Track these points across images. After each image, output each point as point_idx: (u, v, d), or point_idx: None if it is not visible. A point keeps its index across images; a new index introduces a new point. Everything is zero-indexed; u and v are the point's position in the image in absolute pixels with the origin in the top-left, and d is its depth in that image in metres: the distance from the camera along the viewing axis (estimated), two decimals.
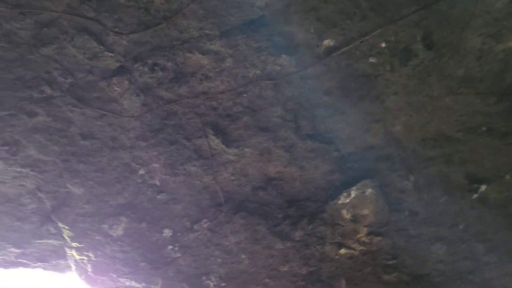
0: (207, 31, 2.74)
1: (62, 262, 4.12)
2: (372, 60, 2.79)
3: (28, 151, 3.15)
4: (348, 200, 3.28)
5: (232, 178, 3.36)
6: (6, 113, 2.94)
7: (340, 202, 3.30)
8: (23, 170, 3.27)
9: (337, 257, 3.58)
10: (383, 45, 2.72)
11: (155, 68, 2.88)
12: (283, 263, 3.67)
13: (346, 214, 3.34)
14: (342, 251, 3.54)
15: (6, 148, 3.10)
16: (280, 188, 3.37)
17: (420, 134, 3.05)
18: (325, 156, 3.20)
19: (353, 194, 3.25)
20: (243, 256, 3.67)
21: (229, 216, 3.50)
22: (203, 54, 2.83)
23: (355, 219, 3.35)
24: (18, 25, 2.58)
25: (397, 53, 2.75)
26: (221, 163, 3.30)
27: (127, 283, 3.92)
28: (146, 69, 2.87)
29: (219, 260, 3.73)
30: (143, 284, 3.89)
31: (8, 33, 2.59)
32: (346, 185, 3.27)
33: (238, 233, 3.56)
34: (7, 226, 3.67)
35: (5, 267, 4.18)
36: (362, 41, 2.71)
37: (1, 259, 4.01)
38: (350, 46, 2.73)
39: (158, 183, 3.40)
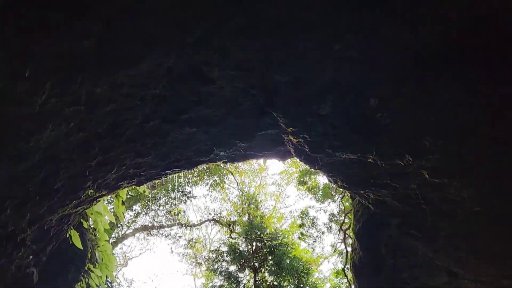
0: None
1: (282, 148, 4.66)
2: None
3: (235, 53, 3.48)
4: None
5: None
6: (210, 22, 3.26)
7: None
8: (234, 72, 3.67)
9: None
10: None
11: None
12: None
13: None
14: None
15: (217, 55, 3.48)
16: None
17: None
18: None
19: None
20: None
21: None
22: None
23: None
24: None
25: None
26: None
27: (343, 156, 4.21)
28: None
29: (431, 118, 3.63)
30: (359, 155, 4.12)
31: None
32: None
33: (449, 88, 3.35)
34: (232, 125, 4.29)
35: (238, 160, 4.99)
36: None
37: (234, 154, 4.78)
38: None
39: None
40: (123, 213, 6.71)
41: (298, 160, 4.64)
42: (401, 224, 5.46)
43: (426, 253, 5.53)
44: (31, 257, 4.94)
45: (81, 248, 5.51)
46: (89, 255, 6.12)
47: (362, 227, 5.83)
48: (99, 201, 5.27)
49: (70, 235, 5.42)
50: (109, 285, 14.51)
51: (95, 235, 6.64)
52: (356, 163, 4.37)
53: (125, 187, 5.16)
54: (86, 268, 6.22)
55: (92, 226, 6.39)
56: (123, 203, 6.40)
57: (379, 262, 5.87)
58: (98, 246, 6.67)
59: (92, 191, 4.63)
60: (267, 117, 4.09)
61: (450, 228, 4.90)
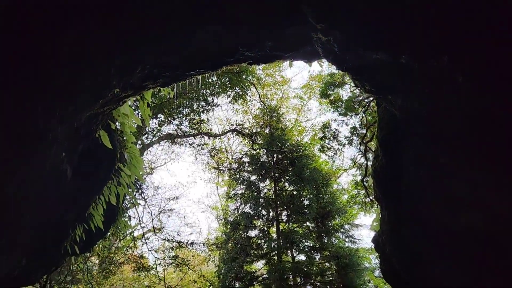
0: None
1: (309, 48, 4.46)
2: None
3: None
4: None
5: None
6: None
7: None
8: None
9: None
10: None
11: None
12: None
13: None
14: None
15: None
16: None
17: None
18: None
19: None
20: None
21: None
22: None
23: None
24: None
25: None
26: None
27: (374, 56, 4.01)
28: None
29: (477, 18, 3.34)
30: (391, 55, 3.91)
31: None
32: None
33: None
34: (259, 22, 4.07)
35: (264, 61, 4.84)
36: None
37: (259, 54, 4.62)
38: None
39: None
40: (149, 116, 6.82)
41: (326, 61, 4.47)
42: (427, 133, 5.37)
43: (449, 163, 5.51)
44: (63, 154, 5.15)
45: (111, 147, 5.71)
46: (118, 155, 6.36)
47: (386, 135, 5.79)
48: (125, 101, 5.32)
49: (99, 135, 5.59)
50: (138, 186, 15.36)
51: (122, 137, 6.84)
52: (387, 65, 4.17)
53: (150, 88, 5.16)
54: (116, 168, 6.52)
55: (119, 128, 6.56)
56: (148, 105, 6.47)
57: (401, 170, 5.90)
58: (126, 148, 6.90)
59: (118, 90, 4.64)
60: (296, 13, 3.85)
61: (479, 138, 4.80)
